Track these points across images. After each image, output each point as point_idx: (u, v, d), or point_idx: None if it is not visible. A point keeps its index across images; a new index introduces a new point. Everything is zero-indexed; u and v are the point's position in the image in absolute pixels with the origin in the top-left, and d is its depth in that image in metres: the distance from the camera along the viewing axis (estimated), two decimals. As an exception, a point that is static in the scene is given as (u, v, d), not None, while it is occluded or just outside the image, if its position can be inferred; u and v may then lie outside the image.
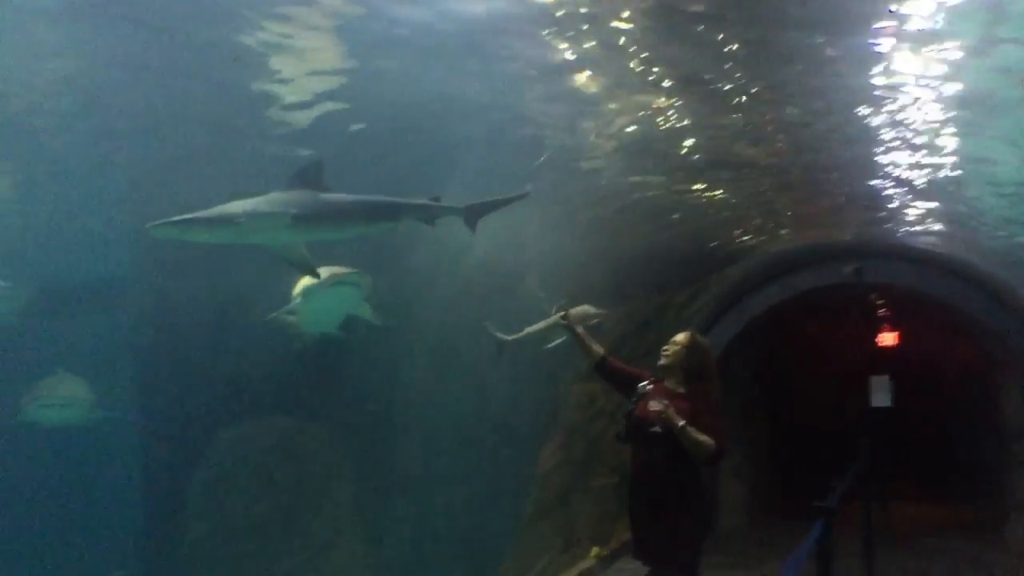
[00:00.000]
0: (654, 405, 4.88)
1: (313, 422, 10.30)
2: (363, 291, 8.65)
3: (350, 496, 10.33)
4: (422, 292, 9.72)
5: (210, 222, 5.82)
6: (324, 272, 7.42)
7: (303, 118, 6.78)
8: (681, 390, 5.03)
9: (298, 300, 8.18)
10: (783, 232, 10.78)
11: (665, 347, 5.17)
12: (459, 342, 10.06)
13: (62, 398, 9.89)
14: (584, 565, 9.95)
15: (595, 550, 10.26)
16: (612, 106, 6.55)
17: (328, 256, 7.39)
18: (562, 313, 5.49)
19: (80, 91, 6.47)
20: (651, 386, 5.13)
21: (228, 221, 5.84)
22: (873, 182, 8.13)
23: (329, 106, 6.57)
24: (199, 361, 10.02)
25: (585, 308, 8.41)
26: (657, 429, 4.84)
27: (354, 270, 7.90)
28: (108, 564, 11.22)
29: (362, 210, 6.66)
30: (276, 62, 5.90)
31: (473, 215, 7.01)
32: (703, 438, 4.80)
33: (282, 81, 6.20)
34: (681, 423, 4.78)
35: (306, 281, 7.87)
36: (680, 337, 5.18)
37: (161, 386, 10.33)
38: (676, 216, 9.56)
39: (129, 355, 10.70)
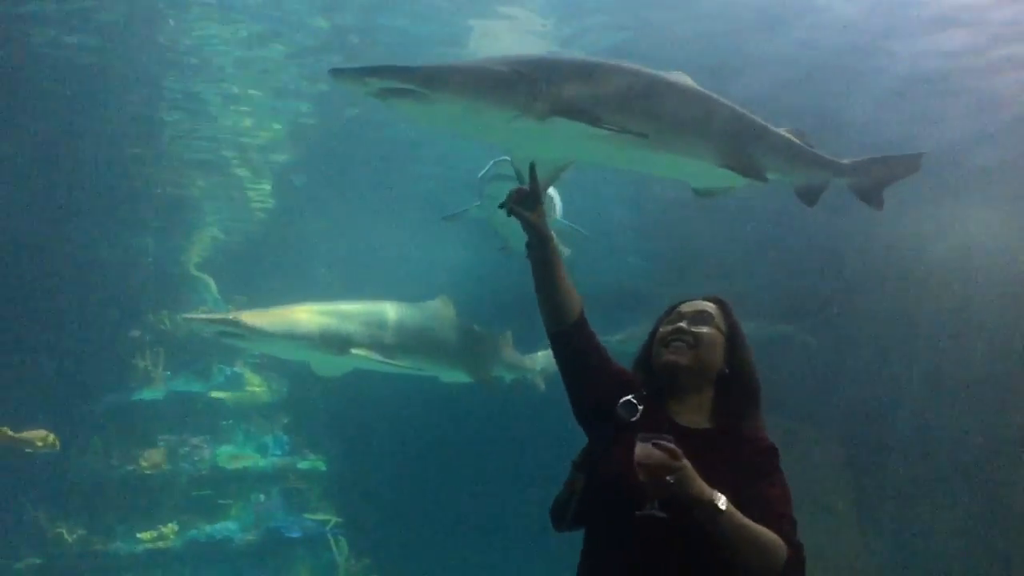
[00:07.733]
0: (644, 452, 2.25)
1: (810, 425, 10.44)
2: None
3: (849, 503, 10.34)
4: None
5: None
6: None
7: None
8: (708, 424, 2.58)
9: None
10: None
11: (678, 324, 2.62)
12: (959, 353, 9.73)
13: None
14: None
15: None
16: None
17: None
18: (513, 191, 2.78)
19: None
20: (642, 406, 2.58)
21: None
22: None
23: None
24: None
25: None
26: (655, 511, 2.34)
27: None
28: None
29: None
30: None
31: None
32: (766, 536, 2.33)
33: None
34: (720, 501, 2.27)
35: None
36: (711, 307, 2.67)
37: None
38: None
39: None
